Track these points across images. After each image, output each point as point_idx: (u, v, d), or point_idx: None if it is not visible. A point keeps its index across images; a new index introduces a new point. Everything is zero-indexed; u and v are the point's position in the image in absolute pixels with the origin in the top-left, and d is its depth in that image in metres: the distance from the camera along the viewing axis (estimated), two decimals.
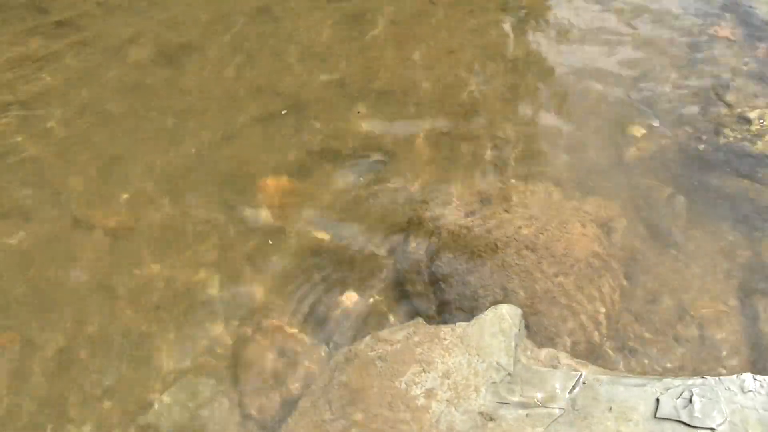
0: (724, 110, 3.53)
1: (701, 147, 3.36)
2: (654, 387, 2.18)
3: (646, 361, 2.61)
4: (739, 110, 3.49)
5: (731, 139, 3.33)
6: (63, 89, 4.07)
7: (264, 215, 3.42)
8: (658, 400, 2.15)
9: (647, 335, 2.71)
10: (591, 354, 2.66)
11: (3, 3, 4.69)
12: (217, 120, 3.85)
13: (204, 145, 3.72)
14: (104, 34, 4.42)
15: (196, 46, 4.30)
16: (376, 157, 3.55)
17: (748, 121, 3.39)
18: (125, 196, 3.49)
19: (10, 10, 4.65)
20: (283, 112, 3.83)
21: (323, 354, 2.79)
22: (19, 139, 3.79)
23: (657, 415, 2.11)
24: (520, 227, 2.81)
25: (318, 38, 4.35)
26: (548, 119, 3.63)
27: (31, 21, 4.55)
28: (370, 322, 2.87)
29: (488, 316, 2.47)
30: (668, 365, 2.63)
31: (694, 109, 3.59)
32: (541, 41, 4.22)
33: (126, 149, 3.71)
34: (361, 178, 3.47)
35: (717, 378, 2.16)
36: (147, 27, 4.47)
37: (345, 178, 3.49)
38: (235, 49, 4.30)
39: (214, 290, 3.16)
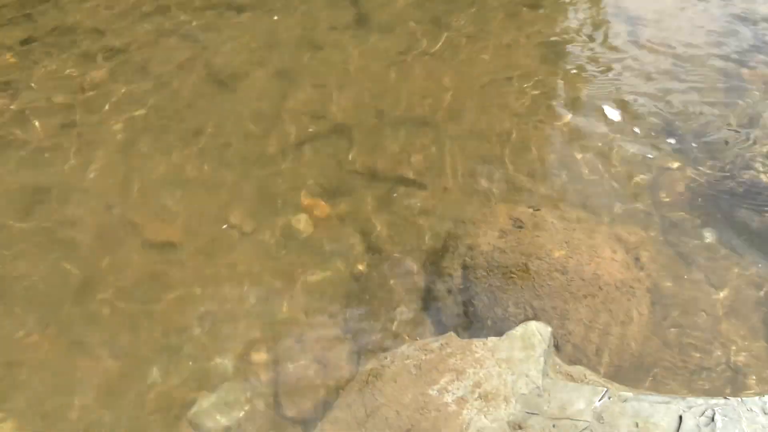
0: (753, 146, 3.63)
1: (730, 182, 3.46)
2: (678, 405, 2.27)
3: (670, 384, 2.69)
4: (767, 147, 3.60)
5: (761, 175, 3.43)
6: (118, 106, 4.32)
7: (304, 231, 3.59)
8: (681, 417, 2.23)
9: (672, 359, 2.79)
10: (616, 375, 2.75)
11: (66, 27, 4.99)
12: (261, 140, 4.05)
13: (249, 162, 3.91)
14: (156, 58, 4.68)
15: (242, 71, 4.53)
16: (411, 179, 3.71)
17: None
18: (176, 208, 3.70)
19: (69, 35, 4.94)
20: (309, 130, 4.01)
21: (359, 360, 2.91)
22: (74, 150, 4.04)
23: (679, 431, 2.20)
24: (551, 250, 2.93)
25: (358, 67, 4.55)
26: (579, 147, 3.77)
27: (89, 44, 4.84)
28: (404, 333, 3.01)
29: (519, 332, 2.58)
30: (692, 388, 2.70)
31: (723, 145, 3.70)
32: (573, 69, 4.38)
33: (175, 164, 3.92)
34: (396, 198, 3.64)
35: (739, 399, 2.24)
36: (196, 52, 4.72)
37: (382, 199, 3.65)
38: (279, 76, 4.52)
39: (253, 300, 3.32)
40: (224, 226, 3.62)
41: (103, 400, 2.99)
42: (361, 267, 3.34)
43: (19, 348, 3.13)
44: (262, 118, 4.18)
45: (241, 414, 2.90)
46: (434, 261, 3.24)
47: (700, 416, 2.22)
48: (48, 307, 3.27)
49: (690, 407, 2.26)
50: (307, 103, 4.27)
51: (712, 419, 2.20)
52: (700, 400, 2.27)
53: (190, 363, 3.09)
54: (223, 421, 2.89)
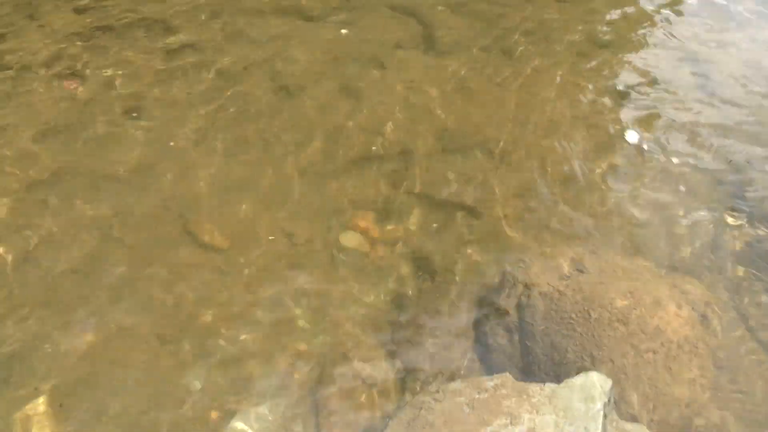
0: None
1: None
2: None
3: None
4: None
5: None
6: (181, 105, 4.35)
7: (355, 250, 3.55)
8: None
9: (733, 425, 2.68)
10: None
11: (138, 18, 5.06)
12: (321, 154, 4.03)
13: (308, 174, 3.89)
14: (220, 60, 4.70)
15: (306, 82, 4.53)
16: (469, 206, 3.65)
17: None
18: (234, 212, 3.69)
19: (139, 29, 5.00)
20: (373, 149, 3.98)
21: (410, 390, 2.85)
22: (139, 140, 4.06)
23: None
24: (614, 299, 2.85)
25: (423, 89, 4.53)
26: (646, 196, 3.68)
27: (159, 37, 4.88)
28: (454, 368, 2.94)
29: (578, 381, 2.50)
30: None
31: None
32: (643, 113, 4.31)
33: (228, 168, 3.92)
34: (452, 226, 3.59)
35: None
36: (262, 57, 4.73)
37: (437, 225, 3.60)
38: (343, 90, 4.51)
39: (298, 314, 3.28)
40: (271, 237, 3.59)
41: (144, 403, 2.97)
42: (411, 293, 3.29)
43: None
44: (324, 130, 4.16)
45: None
46: (488, 296, 3.18)
47: None
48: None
49: None
50: (369, 120, 4.24)
51: None
52: None
53: (230, 374, 3.06)
54: None
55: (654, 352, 2.73)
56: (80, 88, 4.42)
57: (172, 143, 4.04)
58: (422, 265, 3.44)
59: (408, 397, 2.82)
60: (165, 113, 4.24)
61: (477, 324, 3.12)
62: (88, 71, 4.53)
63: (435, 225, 3.62)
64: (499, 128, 4.21)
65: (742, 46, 5.04)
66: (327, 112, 4.30)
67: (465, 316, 3.17)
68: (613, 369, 2.70)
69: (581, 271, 3.00)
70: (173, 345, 3.12)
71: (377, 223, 3.69)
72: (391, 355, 3.06)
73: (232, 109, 4.29)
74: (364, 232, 3.66)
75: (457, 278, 3.35)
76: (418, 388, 2.83)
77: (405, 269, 3.45)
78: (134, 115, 4.22)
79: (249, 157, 3.98)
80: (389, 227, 3.65)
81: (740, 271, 3.34)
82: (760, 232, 3.49)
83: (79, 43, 4.77)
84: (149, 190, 3.76)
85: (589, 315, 2.81)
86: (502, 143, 4.10)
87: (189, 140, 4.07)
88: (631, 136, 4.14)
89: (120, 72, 4.54)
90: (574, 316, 2.83)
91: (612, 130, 4.21)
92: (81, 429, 2.84)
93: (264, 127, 4.17)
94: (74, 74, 4.53)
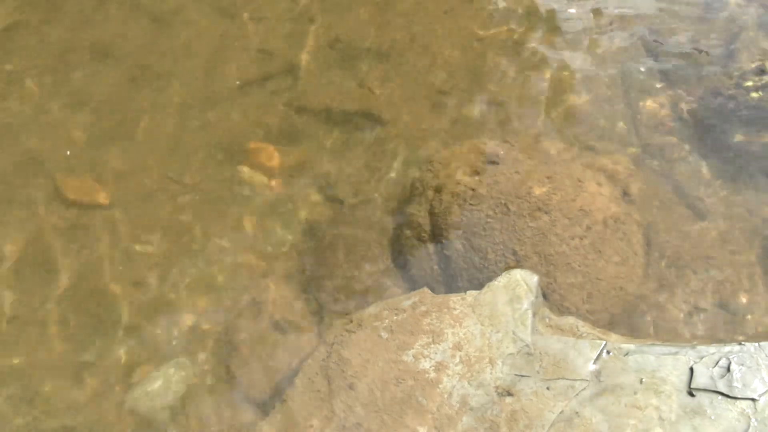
0: (742, 64, 3.31)
1: (719, 102, 3.14)
2: (687, 355, 1.99)
3: (670, 331, 2.41)
4: (757, 63, 3.28)
5: (753, 93, 3.12)
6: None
7: (253, 182, 3.20)
8: (692, 369, 1.95)
9: (670, 303, 2.51)
10: (611, 324, 2.46)
11: None
12: (200, 84, 3.58)
13: (188, 109, 3.46)
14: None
15: (179, 5, 4.00)
16: (374, 117, 3.31)
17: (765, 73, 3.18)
18: None
19: None
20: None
21: (322, 324, 2.58)
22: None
23: (692, 386, 1.92)
24: (531, 187, 2.59)
25: None
26: (557, 73, 3.39)
27: None
28: (370, 291, 2.67)
29: (501, 283, 2.26)
30: (694, 333, 2.44)
31: (711, 66, 3.37)
32: None
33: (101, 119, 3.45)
34: (353, 139, 3.25)
35: (756, 344, 1.97)
36: None
37: (342, 140, 3.26)
38: (220, 10, 4.01)
39: (198, 260, 2.93)
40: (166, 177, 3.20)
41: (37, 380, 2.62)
42: (318, 219, 2.97)
43: None
44: (201, 57, 3.69)
45: (188, 392, 2.55)
46: (400, 208, 2.89)
47: (713, 367, 1.94)
48: None
49: (701, 357, 1.98)
50: (251, 39, 3.79)
51: (728, 369, 1.93)
52: (712, 348, 1.99)
53: (129, 336, 2.72)
54: (166, 400, 2.54)
55: (581, 238, 2.51)
56: None
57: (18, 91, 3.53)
58: (328, 189, 3.12)
59: (322, 331, 2.55)
60: (23, 62, 3.69)
61: (392, 241, 2.84)
62: None
63: (334, 142, 3.27)
64: (394, 28, 3.81)
65: None
66: (203, 36, 3.82)
67: (378, 236, 2.88)
68: (540, 262, 2.47)
69: (495, 163, 2.73)
70: (64, 317, 2.77)
71: (274, 149, 3.32)
72: (304, 290, 2.77)
73: (97, 52, 3.75)
74: (261, 164, 3.29)
75: (366, 197, 3.05)
76: (332, 321, 2.55)
77: (311, 197, 3.12)
78: None
79: (119, 99, 3.50)
80: (288, 152, 3.29)
81: (665, 136, 3.12)
82: (682, 94, 3.26)
83: None
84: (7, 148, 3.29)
85: (507, 209, 2.55)
86: (398, 43, 3.72)
87: (48, 91, 3.55)
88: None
89: None
90: (491, 212, 2.57)
91: (522, 13, 3.86)
92: None
93: (134, 61, 3.67)
94: None
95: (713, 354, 1.97)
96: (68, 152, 3.31)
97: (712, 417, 1.85)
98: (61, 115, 3.45)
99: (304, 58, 3.68)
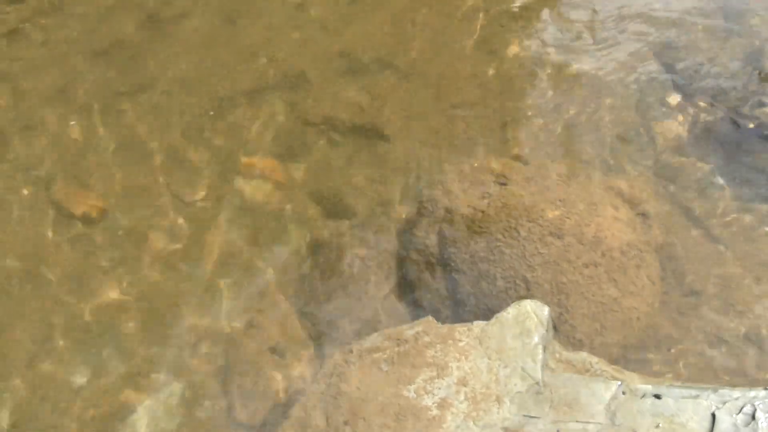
0: (762, 81, 3.17)
1: (740, 121, 3.01)
2: (709, 399, 1.86)
3: (690, 367, 2.28)
4: None
5: None
6: None
7: (253, 198, 3.09)
8: (714, 415, 1.82)
9: (689, 335, 2.38)
10: (625, 358, 2.34)
11: None
12: (204, 91, 3.48)
13: (190, 117, 3.36)
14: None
15: (181, 11, 3.91)
16: (381, 132, 3.20)
17: None
18: None
19: None
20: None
21: (319, 354, 2.46)
22: None
23: None
24: (543, 210, 2.47)
25: (312, 4, 3.96)
26: (573, 90, 3.26)
27: None
28: (373, 316, 2.55)
29: (510, 314, 2.13)
30: (714, 367, 2.31)
31: (732, 82, 3.24)
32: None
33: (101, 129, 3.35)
34: (360, 156, 3.14)
35: None
36: None
37: (347, 155, 3.14)
38: (225, 16, 3.91)
39: (195, 283, 2.83)
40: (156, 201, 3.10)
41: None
42: (320, 238, 2.86)
43: None
44: (205, 64, 3.59)
45: (183, 420, 2.44)
46: (407, 230, 2.77)
47: (737, 413, 1.81)
48: None
49: (724, 402, 1.84)
50: (256, 47, 3.68)
51: (753, 417, 1.79)
52: (736, 393, 1.86)
53: (123, 362, 2.62)
54: (161, 429, 2.43)
55: (595, 265, 2.38)
56: None
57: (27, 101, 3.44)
58: (332, 205, 3.00)
59: (320, 361, 2.43)
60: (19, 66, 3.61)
61: (397, 265, 2.72)
62: None
63: (340, 157, 3.16)
64: (404, 39, 3.70)
65: None
66: (208, 43, 3.72)
67: (384, 257, 2.76)
68: (551, 291, 2.34)
69: (504, 184, 2.60)
70: (52, 340, 2.66)
71: (277, 164, 3.21)
72: (304, 316, 2.65)
73: (98, 51, 3.64)
74: (263, 177, 3.18)
75: (372, 215, 2.93)
76: (333, 350, 2.43)
77: (313, 213, 3.01)
78: None
79: (120, 107, 3.41)
80: (291, 167, 3.18)
81: (682, 158, 2.99)
82: (702, 115, 3.12)
83: None
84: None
85: (518, 233, 2.43)
86: (408, 55, 3.61)
87: (48, 97, 3.47)
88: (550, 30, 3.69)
89: None
90: (500, 236, 2.45)
91: (533, 27, 3.74)
92: None
93: (136, 71, 3.57)
94: None
95: (737, 399, 1.83)
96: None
97: None
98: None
99: (310, 67, 3.57)
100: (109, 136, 3.29)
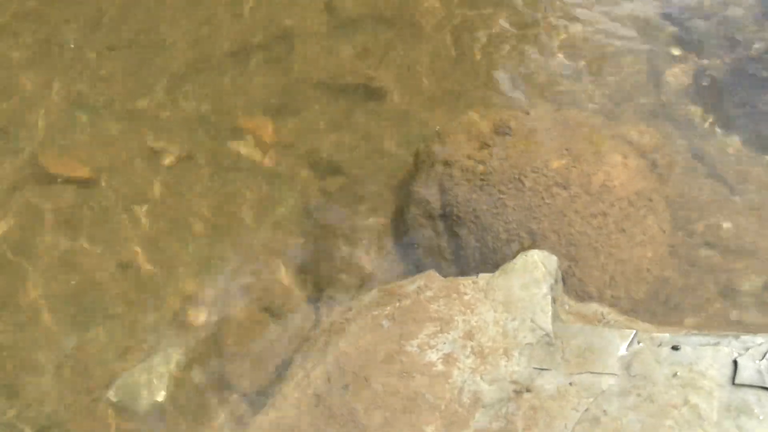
0: None
1: (752, 66, 2.89)
2: (730, 346, 1.76)
3: (705, 318, 2.18)
4: None
5: None
6: None
7: (247, 157, 2.96)
8: (735, 362, 1.72)
9: (703, 286, 2.28)
10: (635, 310, 2.23)
11: None
12: (189, 53, 3.33)
13: (177, 79, 3.21)
14: None
15: None
16: (375, 85, 3.06)
17: None
18: None
19: None
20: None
21: (320, 311, 2.35)
22: None
23: (735, 381, 1.69)
24: (548, 160, 2.35)
25: None
26: (576, 38, 3.12)
27: None
28: (372, 276, 2.44)
29: (517, 265, 2.03)
30: (728, 319, 2.21)
31: (733, 27, 3.10)
32: None
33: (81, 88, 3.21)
34: (355, 112, 3.01)
35: None
36: None
37: (341, 112, 3.01)
38: None
39: (187, 243, 2.71)
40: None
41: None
42: (317, 197, 2.74)
43: None
44: (188, 24, 3.43)
45: (176, 387, 2.34)
46: (406, 184, 2.65)
47: (760, 359, 1.71)
48: None
49: (746, 348, 1.75)
50: (244, 4, 3.52)
51: None
52: (759, 338, 1.76)
53: (112, 327, 2.51)
54: (153, 397, 2.33)
55: (603, 215, 2.27)
56: None
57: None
58: (327, 164, 2.88)
59: (319, 318, 2.32)
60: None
61: (396, 220, 2.61)
62: None
63: (335, 114, 3.03)
64: None
65: None
66: (193, 2, 3.55)
67: (381, 214, 2.65)
68: (558, 242, 2.23)
69: (506, 134, 2.48)
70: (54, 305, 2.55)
71: (269, 123, 3.08)
72: (301, 273, 2.54)
73: (76, 18, 3.49)
74: (255, 136, 3.05)
75: (367, 172, 2.81)
76: (331, 308, 2.32)
77: (307, 172, 2.88)
78: None
79: (101, 69, 3.26)
80: (283, 126, 3.04)
81: (690, 106, 2.86)
82: (708, 61, 3.00)
83: None
84: None
85: (522, 183, 2.32)
86: (402, 8, 3.46)
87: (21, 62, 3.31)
88: None
89: None
90: (503, 188, 2.33)
91: None
92: None
93: (120, 29, 3.41)
94: None
95: (761, 345, 1.74)
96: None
97: (761, 417, 1.62)
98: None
99: (301, 24, 3.42)
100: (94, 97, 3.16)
